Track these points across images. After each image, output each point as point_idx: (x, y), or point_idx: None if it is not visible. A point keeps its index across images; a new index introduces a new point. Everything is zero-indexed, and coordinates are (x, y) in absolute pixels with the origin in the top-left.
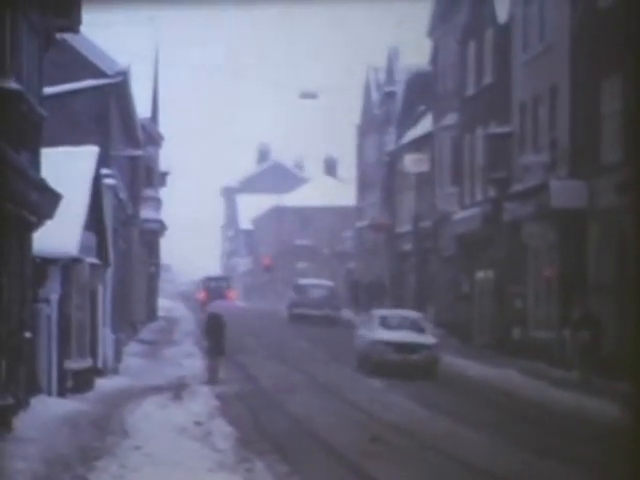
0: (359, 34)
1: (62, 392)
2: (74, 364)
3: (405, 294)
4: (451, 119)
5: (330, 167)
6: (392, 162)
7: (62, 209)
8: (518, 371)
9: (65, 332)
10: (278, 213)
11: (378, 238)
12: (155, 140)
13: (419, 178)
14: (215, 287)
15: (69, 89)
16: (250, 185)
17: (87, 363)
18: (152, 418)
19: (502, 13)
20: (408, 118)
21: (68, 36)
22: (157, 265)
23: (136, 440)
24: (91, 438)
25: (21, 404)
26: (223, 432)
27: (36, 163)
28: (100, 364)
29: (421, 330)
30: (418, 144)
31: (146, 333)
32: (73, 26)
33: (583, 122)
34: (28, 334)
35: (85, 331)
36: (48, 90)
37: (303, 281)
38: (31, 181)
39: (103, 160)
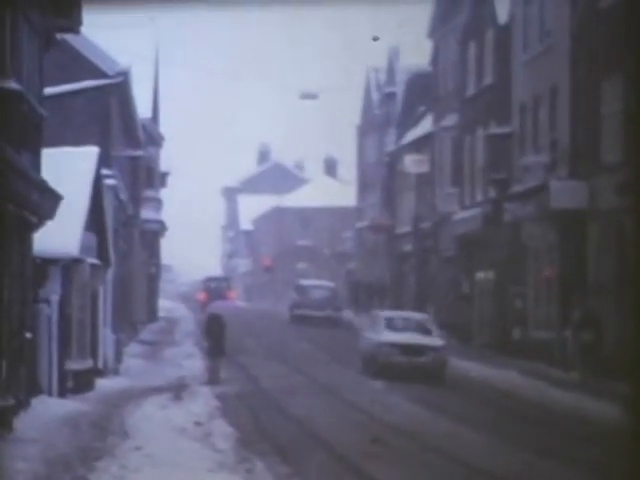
0: (359, 35)
1: (62, 392)
2: (75, 364)
3: (405, 294)
4: (451, 120)
5: (330, 168)
6: (392, 163)
7: (62, 209)
8: (518, 371)
9: (66, 332)
10: (278, 213)
11: (378, 239)
12: (156, 140)
13: (419, 179)
14: (215, 287)
15: (69, 89)
16: (250, 185)
17: (88, 364)
18: (152, 418)
19: (502, 13)
20: (408, 119)
21: (68, 36)
22: (157, 265)
23: (136, 440)
24: (91, 439)
25: (22, 404)
26: (223, 432)
27: (36, 163)
28: (100, 364)
29: (427, 332)
30: (418, 145)
31: (146, 334)
32: (73, 26)
33: (583, 122)
34: (29, 334)
35: (86, 331)
36: (48, 90)
37: (304, 282)
38: (32, 181)
39: (104, 160)
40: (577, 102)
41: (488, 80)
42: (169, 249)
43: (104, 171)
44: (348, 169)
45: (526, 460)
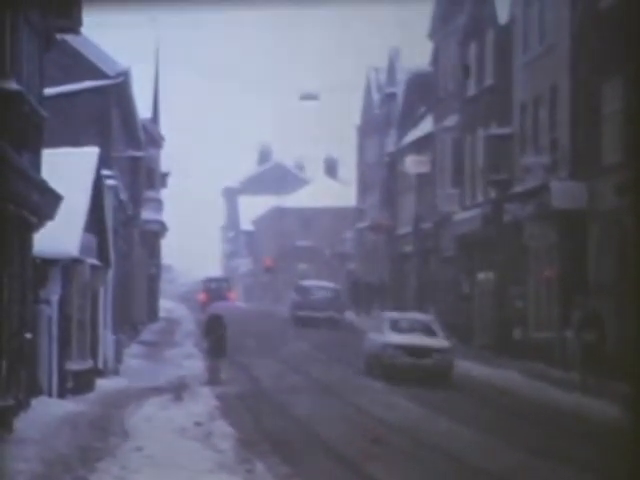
0: (360, 35)
1: (63, 393)
2: (75, 365)
3: (406, 295)
4: (452, 120)
5: (331, 168)
6: (393, 163)
7: (63, 210)
8: (519, 372)
9: (66, 333)
10: (279, 214)
11: (379, 239)
12: (156, 141)
13: (420, 179)
14: (215, 288)
15: (70, 90)
16: (251, 186)
17: (88, 364)
18: (153, 419)
19: (503, 14)
20: (409, 119)
21: (69, 37)
22: (158, 266)
23: (137, 441)
24: (92, 439)
25: (22, 405)
26: (223, 433)
27: (37, 164)
28: (101, 365)
29: (433, 333)
30: (419, 145)
31: (147, 334)
32: (74, 27)
33: (583, 123)
34: (29, 335)
35: (86, 332)
36: (49, 91)
37: (306, 282)
38: (32, 182)
39: (104, 161)
40: (577, 102)
41: (488, 81)
42: (169, 249)
43: (104, 171)
44: (348, 169)
45: (526, 460)
